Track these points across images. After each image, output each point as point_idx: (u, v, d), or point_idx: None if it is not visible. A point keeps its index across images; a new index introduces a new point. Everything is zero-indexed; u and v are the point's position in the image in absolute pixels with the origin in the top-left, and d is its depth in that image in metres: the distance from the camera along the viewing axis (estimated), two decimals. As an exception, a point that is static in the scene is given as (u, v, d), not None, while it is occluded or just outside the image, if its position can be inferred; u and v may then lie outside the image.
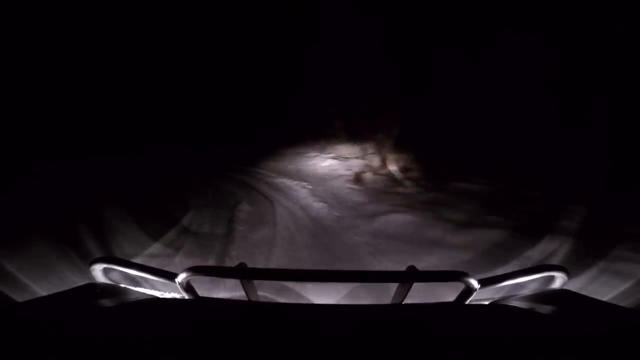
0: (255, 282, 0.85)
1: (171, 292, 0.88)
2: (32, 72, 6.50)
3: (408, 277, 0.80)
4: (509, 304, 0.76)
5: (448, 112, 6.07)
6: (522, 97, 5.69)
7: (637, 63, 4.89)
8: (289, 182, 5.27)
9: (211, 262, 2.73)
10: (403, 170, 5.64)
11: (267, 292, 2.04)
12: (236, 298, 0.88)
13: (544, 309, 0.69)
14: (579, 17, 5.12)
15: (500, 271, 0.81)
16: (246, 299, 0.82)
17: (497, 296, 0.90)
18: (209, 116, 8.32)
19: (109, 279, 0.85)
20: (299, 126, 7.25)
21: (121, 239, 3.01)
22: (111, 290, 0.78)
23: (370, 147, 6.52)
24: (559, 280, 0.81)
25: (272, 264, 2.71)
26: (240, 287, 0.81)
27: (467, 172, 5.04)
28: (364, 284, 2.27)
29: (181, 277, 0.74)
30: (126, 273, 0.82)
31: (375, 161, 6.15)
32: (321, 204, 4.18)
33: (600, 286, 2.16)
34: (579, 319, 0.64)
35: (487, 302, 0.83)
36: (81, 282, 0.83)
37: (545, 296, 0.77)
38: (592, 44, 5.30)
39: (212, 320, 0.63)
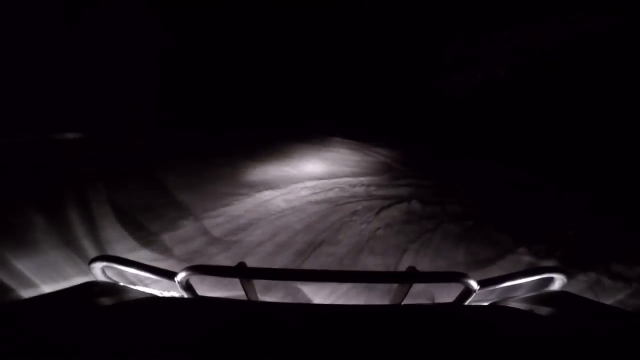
0: (255, 281, 0.85)
1: (170, 291, 0.88)
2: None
3: (407, 278, 0.80)
4: (508, 305, 0.76)
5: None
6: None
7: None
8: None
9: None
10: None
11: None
12: (235, 297, 0.88)
13: (543, 310, 0.69)
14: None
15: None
16: (245, 298, 0.82)
17: (496, 297, 0.90)
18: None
19: (109, 277, 0.85)
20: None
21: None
22: (111, 289, 0.78)
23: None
24: (558, 282, 0.82)
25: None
26: (240, 286, 0.81)
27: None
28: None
29: (180, 276, 0.74)
30: (126, 271, 0.82)
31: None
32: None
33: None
34: (578, 321, 0.65)
35: (486, 304, 0.83)
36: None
37: (545, 298, 0.77)
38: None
39: (211, 320, 0.63)
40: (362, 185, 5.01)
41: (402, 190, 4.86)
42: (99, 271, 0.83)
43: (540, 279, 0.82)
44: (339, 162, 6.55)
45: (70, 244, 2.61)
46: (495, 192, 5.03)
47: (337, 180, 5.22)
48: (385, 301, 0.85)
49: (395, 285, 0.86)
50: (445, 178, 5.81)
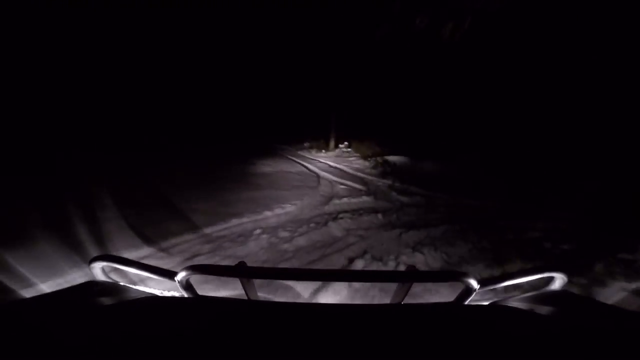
0: (255, 281, 0.85)
1: (171, 290, 0.88)
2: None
3: (407, 277, 0.80)
4: (509, 305, 0.76)
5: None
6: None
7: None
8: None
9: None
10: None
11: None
12: (236, 297, 0.89)
13: (544, 309, 0.69)
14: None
15: None
16: (246, 297, 0.82)
17: (496, 297, 0.90)
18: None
19: (109, 277, 0.85)
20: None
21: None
22: (111, 288, 0.78)
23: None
24: (558, 281, 0.82)
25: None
26: (240, 285, 0.81)
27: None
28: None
29: (180, 275, 0.74)
30: (126, 271, 0.82)
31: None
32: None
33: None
34: (578, 320, 0.65)
35: (486, 303, 0.83)
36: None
37: (545, 297, 0.77)
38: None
39: (211, 319, 0.63)
40: (263, 233, 2.89)
41: (336, 231, 3.01)
42: (99, 271, 0.83)
43: (541, 278, 0.82)
44: (242, 185, 4.34)
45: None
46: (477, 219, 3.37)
47: (220, 229, 3.00)
48: (386, 300, 0.85)
49: (395, 285, 0.86)
50: (396, 190, 4.12)
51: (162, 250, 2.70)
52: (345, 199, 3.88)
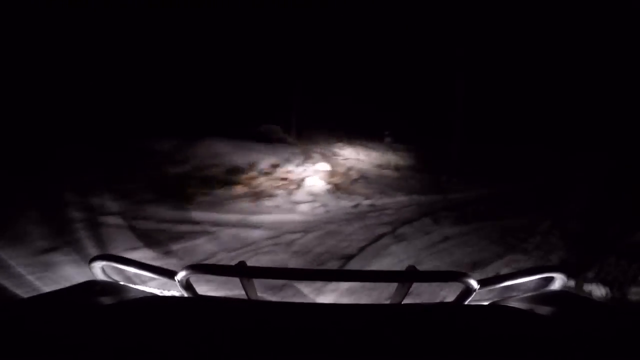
0: (255, 280, 0.85)
1: (170, 290, 0.88)
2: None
3: (407, 277, 0.80)
4: (508, 305, 0.76)
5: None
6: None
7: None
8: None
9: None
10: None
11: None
12: (235, 296, 0.89)
13: (544, 309, 0.69)
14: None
15: None
16: (245, 297, 0.82)
17: (496, 297, 0.91)
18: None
19: (109, 276, 0.85)
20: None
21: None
22: (111, 288, 0.78)
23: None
24: (558, 281, 0.82)
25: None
26: (240, 285, 0.81)
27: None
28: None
29: (180, 275, 0.74)
30: (126, 270, 0.82)
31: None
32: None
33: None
34: (578, 320, 0.65)
35: (486, 303, 0.83)
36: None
37: (545, 297, 0.77)
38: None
39: (211, 319, 0.63)
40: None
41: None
42: (99, 270, 0.83)
43: (541, 278, 0.82)
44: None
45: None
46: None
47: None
48: (385, 300, 0.85)
49: (395, 285, 0.86)
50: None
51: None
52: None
